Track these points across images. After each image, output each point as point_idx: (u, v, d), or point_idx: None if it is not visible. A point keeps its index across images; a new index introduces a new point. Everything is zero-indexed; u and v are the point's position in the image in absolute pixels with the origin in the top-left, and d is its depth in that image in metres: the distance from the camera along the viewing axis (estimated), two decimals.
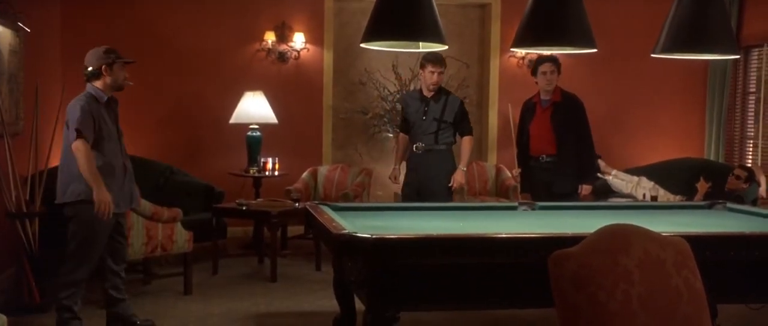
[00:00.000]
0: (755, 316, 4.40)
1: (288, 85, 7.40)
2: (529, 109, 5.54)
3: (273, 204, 5.96)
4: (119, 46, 4.38)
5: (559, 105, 5.40)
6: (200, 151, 7.32)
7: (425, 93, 5.49)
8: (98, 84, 4.12)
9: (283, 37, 7.39)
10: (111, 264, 4.30)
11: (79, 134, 3.94)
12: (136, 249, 4.86)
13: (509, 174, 6.97)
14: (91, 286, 4.50)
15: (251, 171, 6.88)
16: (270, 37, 7.32)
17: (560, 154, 5.35)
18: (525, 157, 5.50)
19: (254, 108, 6.90)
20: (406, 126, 5.65)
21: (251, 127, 6.90)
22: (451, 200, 5.47)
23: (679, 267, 2.12)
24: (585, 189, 5.41)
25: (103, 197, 3.96)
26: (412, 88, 7.19)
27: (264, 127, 6.95)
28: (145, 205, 4.88)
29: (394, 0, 3.76)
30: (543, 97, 5.44)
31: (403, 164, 5.74)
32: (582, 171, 5.41)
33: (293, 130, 7.40)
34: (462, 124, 5.51)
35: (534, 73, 5.46)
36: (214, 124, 7.24)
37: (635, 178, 7.01)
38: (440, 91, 5.49)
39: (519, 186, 5.61)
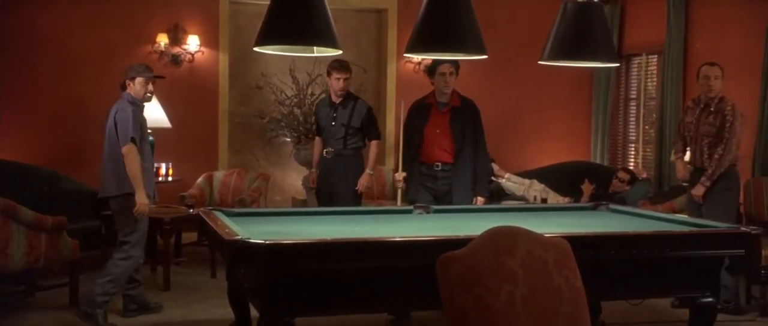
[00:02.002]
0: (635, 311, 4.65)
1: (182, 89, 7.22)
2: (422, 110, 5.16)
3: (166, 211, 5.81)
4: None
5: (458, 110, 5.11)
6: (88, 156, 6.98)
7: (334, 99, 5.53)
8: (131, 92, 4.68)
9: (177, 39, 7.21)
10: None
11: (133, 141, 4.49)
12: (17, 260, 4.61)
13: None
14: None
15: None
16: (163, 40, 7.13)
17: (458, 163, 5.07)
18: (413, 162, 5.17)
19: (146, 112, 6.65)
20: (319, 130, 5.72)
21: None
22: (359, 203, 5.47)
23: (560, 267, 2.20)
24: (479, 201, 5.09)
25: (142, 200, 4.50)
26: (309, 91, 7.20)
27: (157, 131, 6.73)
28: (27, 213, 4.65)
29: (287, 4, 3.74)
30: (439, 99, 5.11)
31: None
32: (476, 181, 5.13)
33: (188, 135, 7.22)
34: (369, 128, 5.57)
35: (431, 73, 5.12)
36: (104, 128, 6.96)
37: (527, 181, 7.23)
38: (348, 97, 5.54)
39: (401, 192, 5.30)
